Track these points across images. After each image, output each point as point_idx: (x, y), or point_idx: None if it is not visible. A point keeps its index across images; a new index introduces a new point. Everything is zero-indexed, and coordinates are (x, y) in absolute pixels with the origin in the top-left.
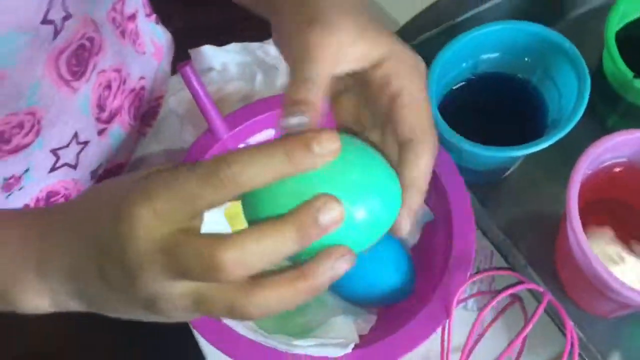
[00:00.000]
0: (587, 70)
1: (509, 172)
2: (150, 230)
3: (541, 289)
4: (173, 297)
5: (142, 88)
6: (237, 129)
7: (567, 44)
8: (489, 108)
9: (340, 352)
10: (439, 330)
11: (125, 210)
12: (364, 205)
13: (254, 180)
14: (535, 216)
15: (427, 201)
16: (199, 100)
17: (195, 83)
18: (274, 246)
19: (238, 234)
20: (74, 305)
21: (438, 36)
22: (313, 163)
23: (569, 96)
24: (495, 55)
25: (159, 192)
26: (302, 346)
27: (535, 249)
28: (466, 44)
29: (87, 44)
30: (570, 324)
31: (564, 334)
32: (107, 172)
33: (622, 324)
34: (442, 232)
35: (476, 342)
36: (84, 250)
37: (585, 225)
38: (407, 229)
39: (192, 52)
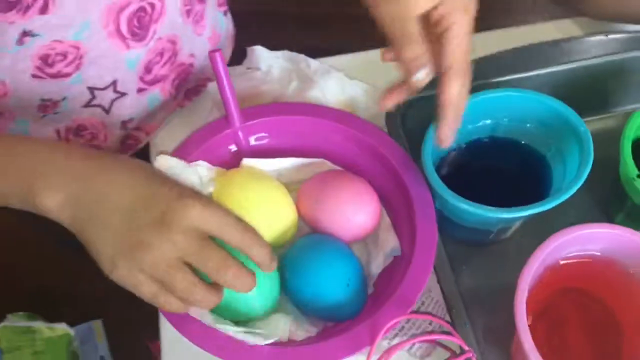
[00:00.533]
0: (591, 156)
1: (502, 236)
2: (192, 220)
3: (466, 347)
4: (163, 257)
5: (191, 65)
6: (249, 122)
7: (582, 127)
8: (496, 171)
9: (258, 341)
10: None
11: (189, 197)
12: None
13: (237, 241)
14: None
15: (400, 238)
16: (221, 87)
17: (221, 69)
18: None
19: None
20: (65, 213)
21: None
22: (260, 262)
23: (570, 176)
24: (514, 121)
25: (211, 213)
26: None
27: (497, 320)
28: (482, 102)
29: (148, 8)
30: None
31: None
32: (137, 130)
33: None
34: (401, 269)
35: None
36: (134, 182)
37: (549, 312)
38: (449, 135)
39: (249, 49)
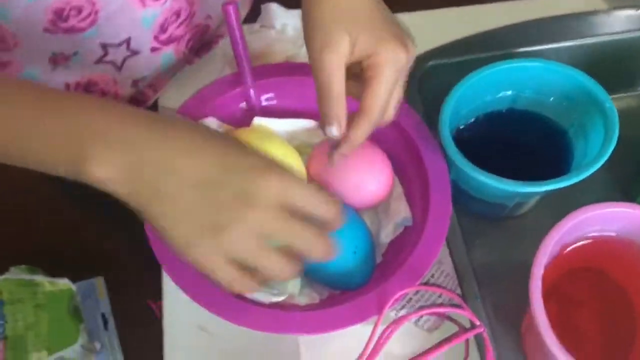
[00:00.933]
0: (616, 133)
1: (518, 212)
2: (274, 196)
3: (477, 322)
4: (247, 238)
5: (207, 26)
6: (262, 80)
7: (609, 103)
8: (516, 143)
9: (273, 298)
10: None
11: (266, 170)
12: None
13: (322, 213)
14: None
15: (412, 208)
16: (234, 41)
17: (234, 23)
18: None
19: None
20: (122, 187)
21: (488, 59)
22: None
23: (592, 152)
24: (537, 94)
25: (292, 185)
26: None
27: (508, 298)
28: (504, 72)
29: None
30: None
31: None
32: (147, 88)
33: None
34: (412, 239)
35: None
36: (206, 155)
37: (561, 291)
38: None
39: (263, 7)
